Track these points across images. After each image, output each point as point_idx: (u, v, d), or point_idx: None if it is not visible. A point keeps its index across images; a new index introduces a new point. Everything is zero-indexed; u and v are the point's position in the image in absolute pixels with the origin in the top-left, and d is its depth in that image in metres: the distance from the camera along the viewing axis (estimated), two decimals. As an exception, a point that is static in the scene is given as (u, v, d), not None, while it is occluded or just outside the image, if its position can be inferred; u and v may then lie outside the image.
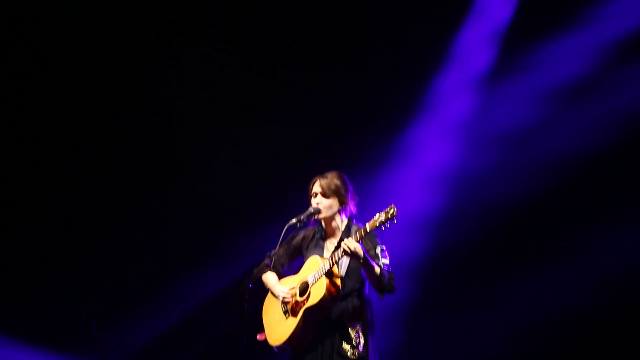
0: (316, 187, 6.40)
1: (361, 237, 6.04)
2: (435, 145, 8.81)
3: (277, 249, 6.33)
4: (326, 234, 6.46)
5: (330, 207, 6.36)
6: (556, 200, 8.41)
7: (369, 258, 6.07)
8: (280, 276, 6.55)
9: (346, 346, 6.18)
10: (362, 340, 6.20)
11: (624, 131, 8.18)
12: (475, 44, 8.86)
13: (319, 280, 6.15)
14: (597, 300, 8.12)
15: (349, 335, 6.19)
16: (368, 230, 6.00)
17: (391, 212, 5.93)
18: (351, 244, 5.98)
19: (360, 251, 5.99)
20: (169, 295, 9.07)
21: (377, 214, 5.98)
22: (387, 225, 5.96)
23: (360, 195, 6.50)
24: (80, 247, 9.12)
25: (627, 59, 8.25)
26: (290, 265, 6.60)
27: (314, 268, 6.25)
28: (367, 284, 6.31)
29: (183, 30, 9.23)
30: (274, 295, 6.46)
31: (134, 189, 9.23)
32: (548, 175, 8.41)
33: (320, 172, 6.45)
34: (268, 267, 6.40)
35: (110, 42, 9.16)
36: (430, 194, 8.73)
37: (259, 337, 6.52)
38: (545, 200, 8.43)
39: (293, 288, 6.34)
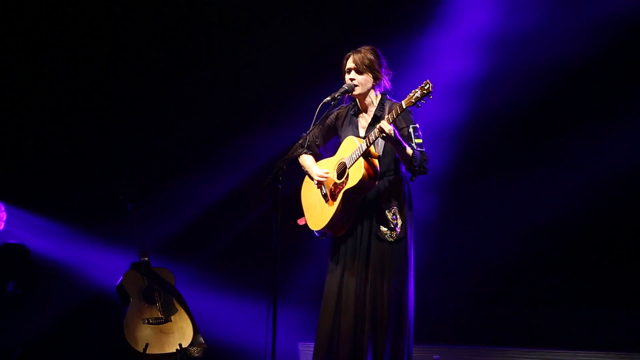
0: (350, 63, 6.24)
1: (397, 115, 5.89)
2: (455, 53, 8.63)
3: (311, 128, 6.22)
4: (359, 110, 6.33)
5: (364, 82, 6.21)
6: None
7: (401, 140, 5.93)
8: (317, 157, 6.46)
9: (384, 229, 6.11)
10: (399, 222, 6.12)
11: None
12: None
13: (357, 162, 6.04)
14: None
15: (386, 217, 6.12)
16: (404, 107, 5.85)
17: (427, 87, 5.76)
18: (386, 126, 5.84)
19: (392, 133, 5.85)
20: (203, 176, 9.02)
21: (413, 91, 5.81)
22: (424, 101, 5.80)
23: (395, 64, 6.38)
24: (115, 127, 9.04)
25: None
26: (326, 146, 6.48)
27: (351, 149, 6.13)
28: None
29: None
30: (310, 178, 6.35)
31: (166, 70, 9.09)
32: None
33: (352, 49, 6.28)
34: (302, 148, 6.32)
35: None
36: (470, 62, 8.61)
37: (299, 221, 6.44)
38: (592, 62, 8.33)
39: (327, 172, 6.24)
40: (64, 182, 8.84)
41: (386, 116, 5.97)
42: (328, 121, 6.42)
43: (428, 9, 8.66)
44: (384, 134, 5.84)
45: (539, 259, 8.58)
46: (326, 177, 6.23)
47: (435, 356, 6.77)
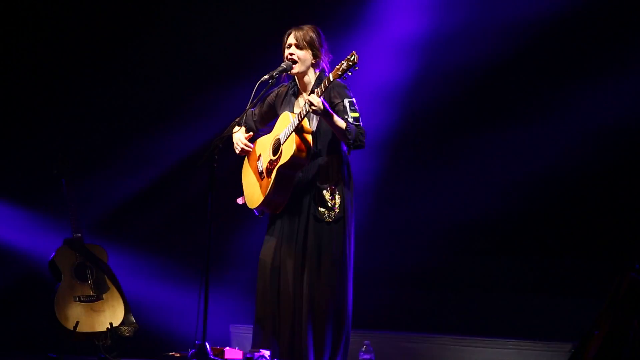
0: (291, 39, 6.22)
1: (325, 89, 5.88)
2: (400, 13, 8.65)
3: (248, 106, 6.18)
4: (298, 90, 6.31)
5: (303, 59, 6.19)
6: (524, 61, 8.41)
7: (331, 111, 5.89)
8: (255, 135, 6.41)
9: (321, 209, 6.09)
10: (337, 201, 6.10)
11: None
12: None
13: (290, 137, 6.01)
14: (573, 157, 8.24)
15: (323, 197, 6.09)
16: (331, 79, 5.82)
17: (352, 58, 5.72)
18: (314, 99, 5.82)
19: (321, 106, 5.82)
20: (140, 153, 8.93)
21: (340, 63, 5.78)
22: (350, 73, 5.76)
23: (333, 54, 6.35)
24: (50, 100, 8.91)
25: None
26: (269, 125, 6.42)
27: (285, 125, 6.11)
28: None
29: None
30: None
31: (104, 41, 8.99)
32: (515, 37, 8.35)
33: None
34: (238, 124, 6.28)
35: None
36: (397, 62, 8.64)
37: (239, 200, 6.41)
38: (513, 62, 8.41)
39: (252, 151, 6.26)
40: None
41: (315, 90, 5.94)
42: (268, 99, 6.39)
43: (352, 12, 8.69)
44: (313, 107, 5.81)
45: (476, 245, 8.61)
46: (247, 148, 6.26)
47: (365, 342, 6.76)
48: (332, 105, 6.02)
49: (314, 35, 6.19)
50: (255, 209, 6.26)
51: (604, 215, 8.19)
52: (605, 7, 8.15)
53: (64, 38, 8.91)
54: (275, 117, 6.38)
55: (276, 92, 6.39)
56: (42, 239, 8.41)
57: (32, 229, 8.58)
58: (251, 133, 6.41)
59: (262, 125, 6.45)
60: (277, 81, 6.24)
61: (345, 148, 6.15)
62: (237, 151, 6.33)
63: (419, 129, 8.73)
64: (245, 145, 6.29)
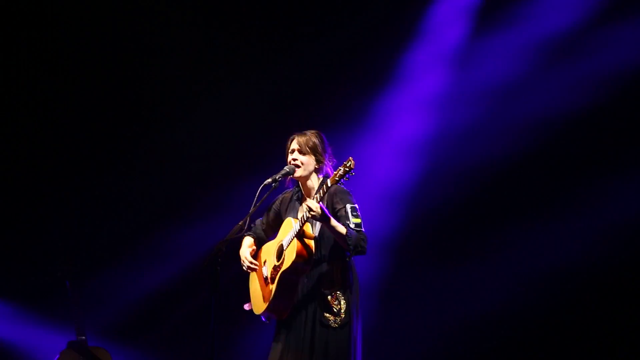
0: (294, 144, 6.25)
1: (323, 194, 5.90)
2: (407, 117, 8.74)
3: (251, 209, 6.15)
4: (302, 195, 6.30)
5: (306, 164, 6.21)
6: (532, 161, 8.39)
7: (330, 216, 5.88)
8: (262, 242, 6.42)
9: (327, 314, 6.04)
10: (343, 306, 6.06)
11: (611, 89, 8.09)
12: (448, 19, 8.77)
13: (291, 243, 6.01)
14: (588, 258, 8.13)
15: (328, 302, 6.05)
16: (329, 185, 5.84)
17: (349, 164, 5.76)
18: (312, 204, 5.82)
19: (319, 211, 5.81)
20: (145, 255, 8.97)
21: (337, 169, 5.79)
22: (347, 178, 5.77)
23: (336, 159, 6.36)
24: (53, 204, 9.00)
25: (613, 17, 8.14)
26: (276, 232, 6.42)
27: (288, 230, 6.10)
28: None
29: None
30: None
31: (108, 143, 9.11)
32: (524, 136, 8.36)
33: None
34: (243, 230, 6.20)
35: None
36: (403, 164, 8.69)
37: (246, 306, 6.38)
38: (521, 162, 8.40)
39: (257, 263, 6.27)
40: (2, 259, 8.75)
41: (315, 195, 5.98)
42: (274, 207, 6.42)
43: (382, 72, 8.79)
44: (312, 212, 5.81)
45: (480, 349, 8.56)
46: (253, 266, 6.25)
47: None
48: (334, 211, 6.03)
49: (316, 141, 6.23)
50: (262, 314, 6.23)
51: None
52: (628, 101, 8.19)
53: (68, 133, 9.03)
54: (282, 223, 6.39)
55: (280, 198, 6.41)
56: (46, 341, 8.38)
57: (36, 331, 8.56)
58: (254, 248, 6.41)
59: (272, 233, 6.43)
60: (281, 185, 6.24)
61: (349, 253, 6.12)
62: (244, 268, 6.33)
63: (424, 229, 8.71)
64: (251, 262, 6.27)
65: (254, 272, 6.35)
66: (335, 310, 6.04)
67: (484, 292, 8.43)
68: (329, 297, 6.06)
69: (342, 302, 6.07)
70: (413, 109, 8.76)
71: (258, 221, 6.42)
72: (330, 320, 6.04)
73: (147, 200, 9.07)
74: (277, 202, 6.42)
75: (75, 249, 8.54)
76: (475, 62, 8.59)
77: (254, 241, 6.42)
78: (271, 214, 6.43)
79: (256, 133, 8.90)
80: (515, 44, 8.46)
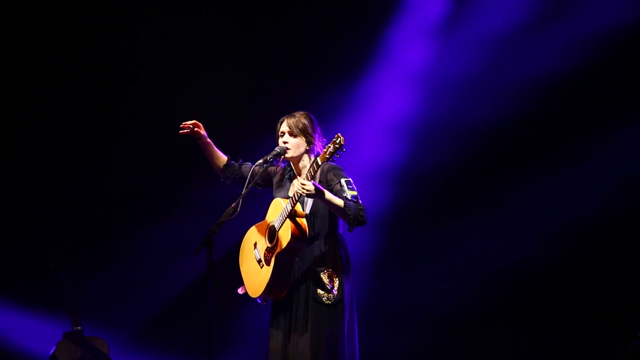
0: (283, 127, 6.28)
1: (314, 172, 5.93)
2: (393, 94, 8.74)
3: (243, 190, 6.18)
4: (294, 175, 6.35)
5: (297, 146, 6.24)
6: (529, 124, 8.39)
7: (324, 190, 5.93)
8: (233, 173, 6.46)
9: (320, 291, 6.08)
10: (336, 283, 6.09)
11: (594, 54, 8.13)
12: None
13: (284, 224, 6.04)
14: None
15: (321, 280, 6.09)
16: (320, 163, 5.87)
17: (338, 141, 5.78)
18: (304, 181, 5.87)
19: (312, 188, 5.86)
20: (136, 246, 8.95)
21: (327, 146, 5.83)
22: (337, 155, 5.80)
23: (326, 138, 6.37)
24: (47, 195, 8.98)
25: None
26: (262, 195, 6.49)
27: (278, 211, 6.14)
28: (340, 221, 6.18)
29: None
30: None
31: (96, 136, 9.09)
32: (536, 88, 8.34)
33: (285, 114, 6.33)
34: (236, 213, 6.11)
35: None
36: (391, 143, 8.69)
37: (239, 290, 6.37)
38: (522, 120, 8.41)
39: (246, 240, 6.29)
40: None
41: (305, 174, 6.01)
42: (270, 170, 6.43)
43: (365, 50, 8.76)
44: (304, 189, 5.85)
45: (479, 312, 8.54)
46: (186, 127, 6.33)
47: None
48: (329, 186, 6.05)
49: (306, 122, 6.25)
50: (258, 297, 6.24)
51: (608, 280, 8.14)
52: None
53: (61, 125, 9.01)
54: (266, 188, 6.46)
55: (275, 170, 6.43)
56: (42, 333, 8.37)
57: (31, 324, 8.54)
58: (219, 154, 6.47)
59: (250, 183, 6.30)
60: (271, 165, 6.29)
61: (341, 230, 6.18)
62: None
63: (418, 198, 8.70)
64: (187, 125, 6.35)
65: (245, 256, 6.36)
66: (328, 287, 6.07)
67: (485, 251, 8.48)
68: (322, 275, 6.09)
69: (335, 279, 6.10)
70: (398, 87, 8.74)
71: (247, 164, 6.44)
72: (323, 297, 6.07)
73: (139, 192, 9.07)
74: (273, 170, 6.44)
75: (68, 240, 8.48)
76: (462, 19, 8.59)
77: (228, 161, 6.47)
78: (263, 173, 6.39)
79: (241, 119, 8.90)
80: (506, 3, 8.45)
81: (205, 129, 6.40)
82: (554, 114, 8.30)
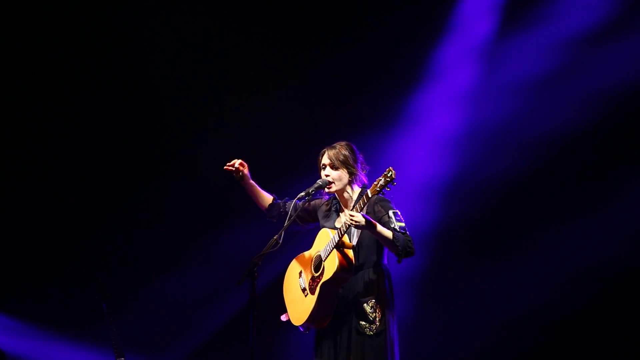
0: (325, 159, 6.28)
1: (364, 205, 5.93)
2: (442, 112, 8.72)
3: (286, 223, 6.22)
4: (340, 207, 6.35)
5: (339, 178, 6.24)
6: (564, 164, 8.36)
7: (375, 223, 5.93)
8: (282, 215, 6.46)
9: (363, 323, 6.08)
10: (378, 315, 6.09)
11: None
12: (478, 13, 8.74)
13: (331, 254, 6.04)
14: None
15: (364, 311, 6.09)
16: (370, 196, 5.89)
17: (390, 174, 5.80)
18: (354, 214, 5.87)
19: (362, 219, 5.86)
20: (180, 278, 9.00)
21: (377, 179, 5.85)
22: (388, 188, 5.83)
23: (369, 165, 6.39)
24: (88, 226, 9.06)
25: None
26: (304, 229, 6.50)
27: (325, 241, 6.14)
28: (385, 252, 6.19)
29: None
30: None
31: (139, 160, 9.19)
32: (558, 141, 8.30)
33: (328, 145, 6.32)
34: (278, 245, 6.13)
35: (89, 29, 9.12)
36: (440, 160, 8.67)
37: (282, 318, 6.41)
38: (559, 161, 8.37)
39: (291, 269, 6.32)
40: (38, 283, 8.81)
41: (355, 206, 5.99)
42: (314, 204, 6.45)
43: (413, 67, 8.79)
44: (354, 221, 5.85)
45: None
46: (231, 167, 6.35)
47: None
48: (377, 218, 6.05)
49: (347, 153, 6.24)
50: (301, 325, 6.25)
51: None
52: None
53: (102, 152, 9.13)
54: (312, 222, 6.46)
55: (319, 200, 6.44)
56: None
57: (75, 356, 8.57)
58: (263, 194, 6.47)
59: (297, 219, 6.37)
60: (314, 198, 6.30)
61: (385, 261, 6.18)
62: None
63: (461, 226, 8.65)
64: (234, 165, 6.37)
65: (289, 284, 6.39)
66: (370, 318, 6.08)
67: (522, 291, 8.40)
68: (365, 305, 6.09)
69: (378, 310, 6.10)
70: (447, 104, 8.74)
71: (291, 201, 6.41)
72: (366, 328, 6.07)
73: (182, 227, 9.12)
74: (318, 202, 6.45)
75: (111, 271, 8.52)
76: (505, 55, 8.57)
77: (273, 200, 6.48)
78: (309, 206, 6.43)
79: (292, 139, 8.88)
80: (543, 42, 8.42)
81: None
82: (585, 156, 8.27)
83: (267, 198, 6.53)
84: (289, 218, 6.20)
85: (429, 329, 8.55)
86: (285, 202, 6.49)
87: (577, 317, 8.23)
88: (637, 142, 8.14)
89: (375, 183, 5.84)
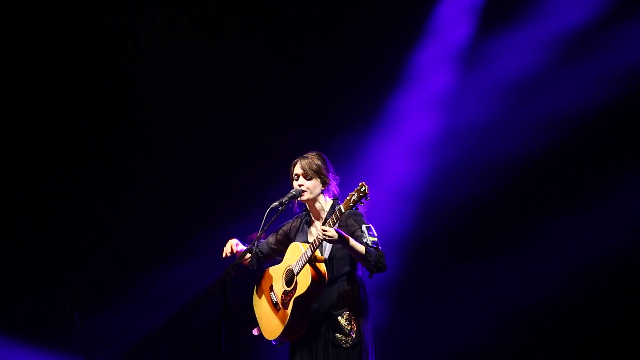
0: (297, 169, 6.24)
1: (337, 219, 5.87)
2: (417, 117, 8.68)
3: (259, 232, 6.14)
4: (311, 219, 6.31)
5: (312, 188, 6.19)
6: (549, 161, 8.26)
7: (347, 237, 5.89)
8: (269, 261, 6.42)
9: (338, 335, 6.04)
10: (354, 326, 6.05)
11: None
12: (455, 17, 8.68)
13: (304, 268, 5.99)
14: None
15: (339, 324, 6.04)
16: (343, 211, 5.84)
17: (363, 189, 5.76)
18: (327, 229, 5.83)
19: (335, 234, 5.82)
20: (152, 286, 8.91)
21: (350, 194, 5.81)
22: (362, 203, 5.79)
23: (342, 171, 6.39)
24: (62, 236, 9.02)
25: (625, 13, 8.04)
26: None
27: (296, 255, 6.09)
28: (359, 264, 6.14)
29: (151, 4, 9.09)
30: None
31: (110, 177, 9.14)
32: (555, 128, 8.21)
33: (301, 153, 6.29)
34: (249, 251, 6.29)
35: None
36: (416, 163, 8.61)
37: (254, 331, 6.35)
38: (541, 159, 8.26)
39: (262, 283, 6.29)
40: (9, 292, 8.76)
41: (328, 220, 5.94)
42: (284, 228, 6.42)
43: (390, 70, 8.74)
44: (327, 236, 5.81)
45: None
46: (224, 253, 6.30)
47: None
48: (349, 232, 6.02)
49: (319, 163, 6.21)
50: (274, 340, 6.20)
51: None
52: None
53: (74, 173, 9.06)
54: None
55: (290, 224, 6.41)
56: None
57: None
58: (244, 254, 6.34)
59: (277, 254, 6.41)
60: (287, 208, 6.21)
61: (360, 272, 6.13)
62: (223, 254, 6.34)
63: (439, 229, 8.57)
64: (227, 251, 6.31)
65: (260, 297, 6.34)
66: (346, 330, 6.04)
67: (507, 295, 8.31)
68: (339, 318, 6.06)
69: (353, 321, 6.06)
70: (424, 107, 8.71)
71: (264, 241, 6.42)
72: (342, 341, 6.03)
73: (154, 233, 9.06)
74: (287, 226, 6.42)
75: (83, 281, 8.49)
76: (484, 59, 8.52)
77: (252, 256, 6.40)
78: (279, 236, 6.42)
79: (266, 144, 8.87)
80: (524, 41, 8.37)
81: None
82: (581, 150, 8.19)
83: (247, 254, 6.42)
84: (262, 228, 6.10)
85: (405, 337, 8.50)
86: (258, 245, 6.42)
87: (568, 318, 8.16)
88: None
89: (348, 198, 5.80)
